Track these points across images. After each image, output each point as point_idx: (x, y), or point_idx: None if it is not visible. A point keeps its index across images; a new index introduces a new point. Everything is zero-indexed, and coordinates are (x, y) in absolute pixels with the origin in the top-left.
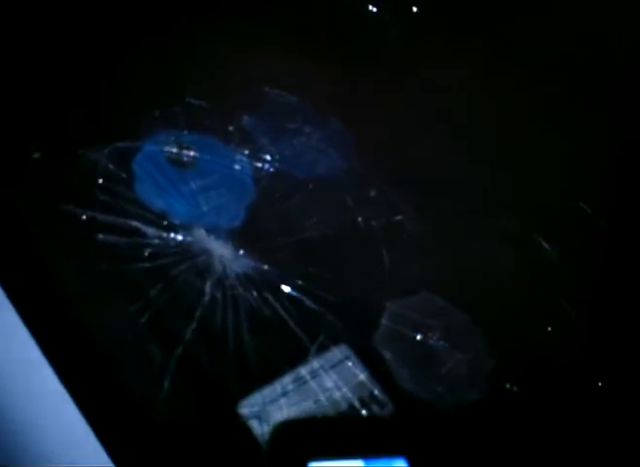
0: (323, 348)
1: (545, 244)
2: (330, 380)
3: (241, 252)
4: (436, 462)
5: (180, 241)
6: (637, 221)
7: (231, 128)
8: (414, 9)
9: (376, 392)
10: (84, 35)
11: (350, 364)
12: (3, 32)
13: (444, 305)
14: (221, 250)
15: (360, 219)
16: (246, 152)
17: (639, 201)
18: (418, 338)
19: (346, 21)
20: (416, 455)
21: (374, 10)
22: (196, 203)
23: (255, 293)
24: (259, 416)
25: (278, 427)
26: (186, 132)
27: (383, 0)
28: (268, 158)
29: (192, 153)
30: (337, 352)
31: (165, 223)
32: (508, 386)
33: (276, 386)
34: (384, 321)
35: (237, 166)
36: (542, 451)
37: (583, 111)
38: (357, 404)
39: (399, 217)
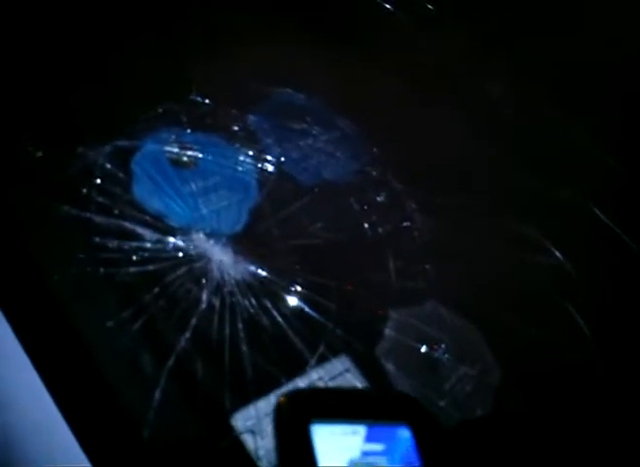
0: (323, 359)
1: (558, 254)
2: None
3: (241, 258)
4: (439, 432)
5: (177, 246)
6: None
7: (235, 128)
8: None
9: None
10: (85, 31)
11: (350, 376)
12: (3, 29)
13: (451, 316)
14: (220, 255)
15: (366, 225)
16: (250, 153)
17: None
18: (423, 350)
19: (359, 17)
20: (420, 424)
21: (389, 7)
22: (196, 206)
23: (254, 301)
24: (252, 430)
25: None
26: (189, 131)
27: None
28: (274, 159)
29: (194, 153)
30: (336, 363)
31: (163, 226)
32: (514, 403)
33: (272, 399)
34: (388, 331)
35: (241, 168)
36: None
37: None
38: None
39: (407, 223)
